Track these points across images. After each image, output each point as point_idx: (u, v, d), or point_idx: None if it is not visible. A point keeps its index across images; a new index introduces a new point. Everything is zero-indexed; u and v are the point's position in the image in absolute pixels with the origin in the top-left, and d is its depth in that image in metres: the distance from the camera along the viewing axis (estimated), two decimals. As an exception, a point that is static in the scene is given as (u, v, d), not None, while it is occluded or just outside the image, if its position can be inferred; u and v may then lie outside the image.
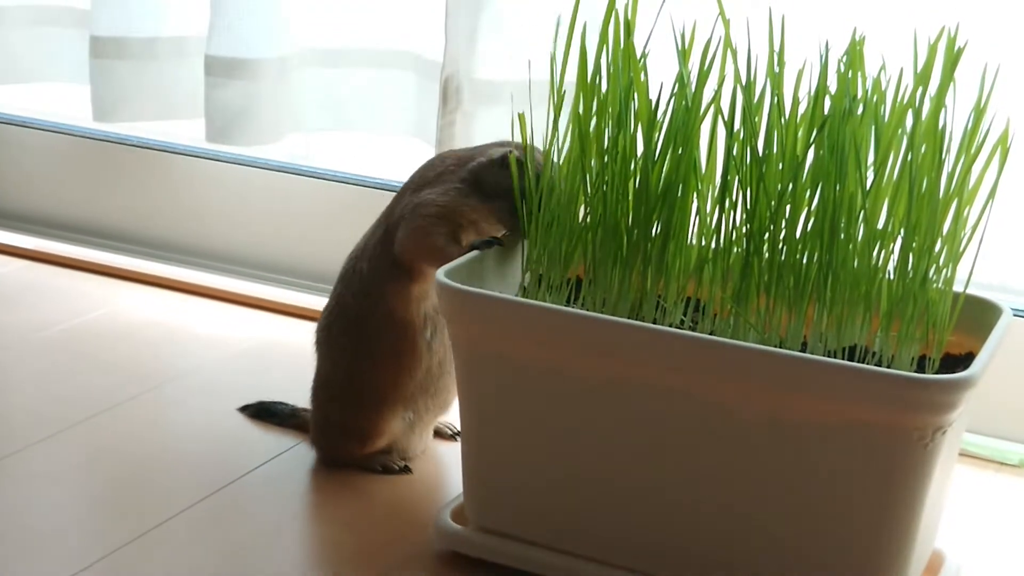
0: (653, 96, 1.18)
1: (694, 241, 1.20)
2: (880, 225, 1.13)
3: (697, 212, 1.20)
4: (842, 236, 1.13)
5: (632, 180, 1.19)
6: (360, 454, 1.39)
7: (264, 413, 1.51)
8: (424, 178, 1.34)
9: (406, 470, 1.40)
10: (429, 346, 1.35)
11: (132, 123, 1.93)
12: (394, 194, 1.37)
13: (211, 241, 1.95)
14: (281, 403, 1.51)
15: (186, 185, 1.97)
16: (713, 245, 1.18)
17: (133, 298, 1.87)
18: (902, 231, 1.12)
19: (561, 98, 1.22)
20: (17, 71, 2.01)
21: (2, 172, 2.09)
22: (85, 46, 1.90)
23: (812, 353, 1.12)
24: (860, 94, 1.13)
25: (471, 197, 1.31)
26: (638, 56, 1.18)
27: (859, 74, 1.13)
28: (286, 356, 1.67)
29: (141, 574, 1.21)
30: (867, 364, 1.10)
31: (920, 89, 1.11)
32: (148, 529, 1.28)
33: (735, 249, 1.17)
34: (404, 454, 1.41)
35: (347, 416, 1.38)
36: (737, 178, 1.15)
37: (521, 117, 1.23)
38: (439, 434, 1.48)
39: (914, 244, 1.12)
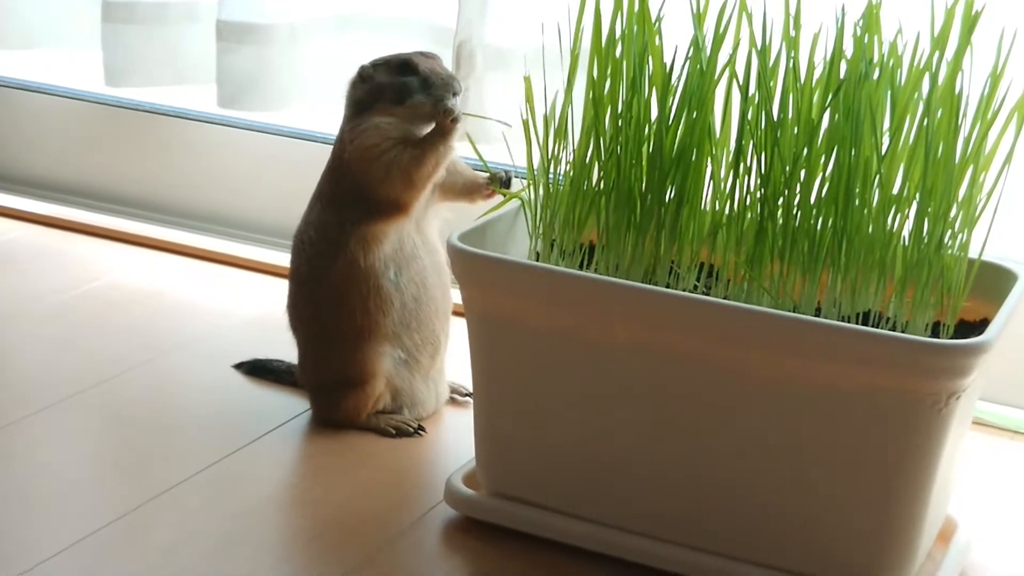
0: (668, 60, 1.18)
1: (708, 206, 1.20)
2: (895, 190, 1.13)
3: (711, 177, 1.19)
4: (857, 201, 1.12)
5: (646, 145, 1.19)
6: (363, 403, 1.40)
7: (260, 370, 1.53)
8: (337, 154, 1.40)
9: (420, 431, 1.40)
10: (397, 285, 1.37)
11: (143, 88, 1.93)
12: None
13: (222, 206, 1.95)
14: (277, 360, 1.52)
15: (197, 151, 1.96)
16: (727, 210, 1.18)
17: (143, 263, 1.87)
18: (917, 196, 1.12)
19: (576, 63, 1.21)
20: (29, 36, 2.01)
21: (13, 137, 2.09)
22: (97, 11, 1.89)
23: (826, 319, 1.12)
24: (876, 58, 1.12)
25: (366, 118, 1.36)
26: (653, 20, 1.18)
27: (875, 38, 1.12)
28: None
29: (152, 537, 1.21)
30: (881, 329, 1.09)
31: (937, 54, 1.11)
32: (159, 493, 1.28)
33: (749, 214, 1.17)
34: (413, 407, 1.42)
35: (336, 370, 1.39)
36: (752, 143, 1.15)
37: (527, 80, 1.23)
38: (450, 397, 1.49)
39: (929, 209, 1.12)
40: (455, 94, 1.34)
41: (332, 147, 1.41)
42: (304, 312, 1.42)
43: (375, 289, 1.37)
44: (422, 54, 1.37)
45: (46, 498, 1.27)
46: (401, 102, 1.35)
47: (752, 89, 1.14)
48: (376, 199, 1.36)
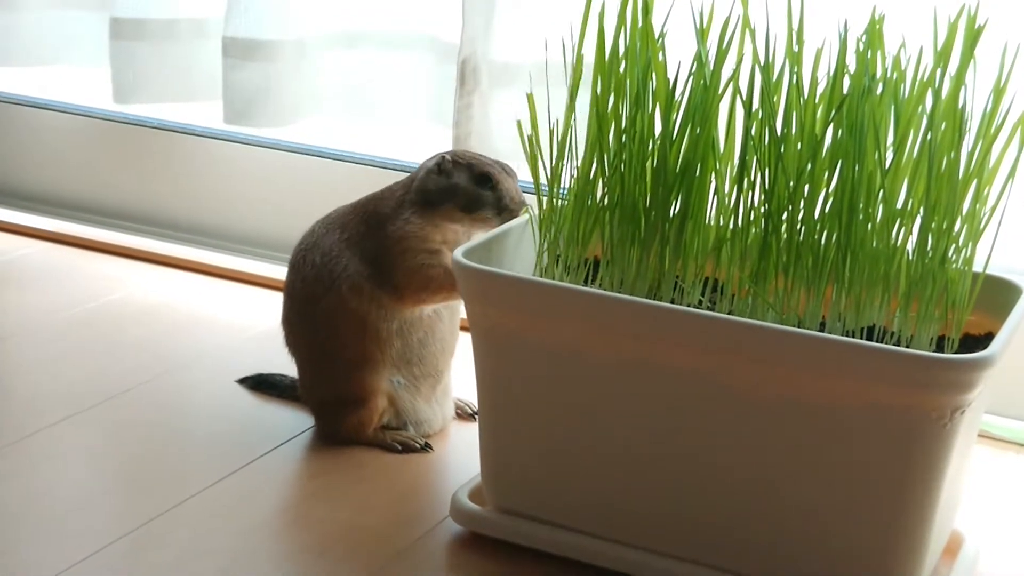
0: (671, 75, 1.18)
1: (712, 221, 1.20)
2: (899, 205, 1.13)
3: (715, 192, 1.19)
4: (861, 216, 1.12)
5: (650, 160, 1.19)
6: (367, 420, 1.40)
7: (264, 385, 1.54)
8: (382, 214, 1.39)
9: (427, 448, 1.41)
10: (399, 330, 1.38)
11: (152, 105, 1.94)
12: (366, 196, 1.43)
13: (229, 222, 1.96)
14: (280, 375, 1.53)
15: (204, 167, 1.97)
16: (731, 225, 1.18)
17: (152, 279, 1.88)
18: (921, 210, 1.12)
19: (579, 79, 1.21)
20: (37, 53, 2.02)
21: (22, 154, 2.10)
22: (105, 28, 1.90)
23: (830, 333, 1.11)
24: (879, 73, 1.12)
25: (430, 213, 1.36)
26: (656, 35, 1.18)
27: (879, 53, 1.13)
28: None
29: (160, 553, 1.22)
30: (886, 344, 1.09)
31: (940, 68, 1.11)
32: (167, 509, 1.28)
33: (753, 229, 1.17)
34: (419, 425, 1.43)
35: (336, 389, 1.40)
36: (755, 158, 1.15)
37: (530, 97, 1.23)
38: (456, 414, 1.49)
39: (933, 224, 1.12)
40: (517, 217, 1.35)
41: (379, 196, 1.41)
42: (298, 330, 1.43)
43: (372, 331, 1.37)
44: (502, 167, 1.37)
45: (53, 515, 1.27)
46: (470, 212, 1.35)
47: (756, 104, 1.15)
48: (391, 280, 1.36)
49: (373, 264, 1.37)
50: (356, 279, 1.37)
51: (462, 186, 1.35)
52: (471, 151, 1.40)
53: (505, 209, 1.35)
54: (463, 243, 1.35)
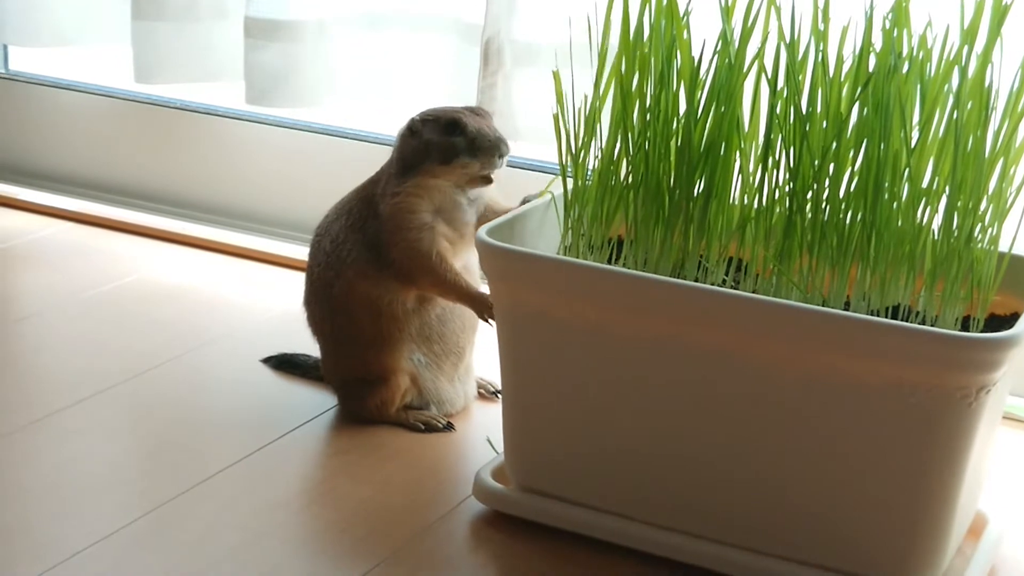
0: (696, 54, 1.18)
1: (736, 200, 1.20)
2: (925, 184, 1.12)
3: (740, 171, 1.19)
4: (886, 195, 1.12)
5: (674, 139, 1.19)
6: (389, 398, 1.40)
7: (287, 364, 1.54)
8: (376, 194, 1.39)
9: (449, 427, 1.41)
10: (416, 309, 1.38)
11: (173, 85, 1.94)
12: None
13: (251, 203, 1.96)
14: (304, 355, 1.53)
15: (225, 147, 1.97)
16: (756, 204, 1.18)
17: (173, 260, 1.88)
18: (947, 189, 1.12)
19: (604, 57, 1.21)
20: (59, 33, 2.02)
21: (44, 134, 2.10)
22: (127, 8, 1.90)
23: (855, 313, 1.11)
24: (905, 51, 1.12)
25: (413, 178, 1.35)
26: (681, 13, 1.18)
27: (905, 31, 1.12)
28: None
29: (183, 531, 1.22)
30: (911, 323, 1.09)
31: (966, 46, 1.10)
32: (189, 487, 1.29)
33: (778, 208, 1.17)
34: (441, 404, 1.42)
35: (357, 368, 1.40)
36: (780, 136, 1.15)
37: (556, 74, 1.23)
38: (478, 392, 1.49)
39: (959, 203, 1.11)
40: (501, 156, 1.34)
41: (374, 177, 1.41)
42: (318, 313, 1.43)
43: (388, 312, 1.38)
44: (472, 111, 1.36)
45: (78, 492, 1.28)
46: (447, 163, 1.34)
47: (781, 83, 1.14)
48: (388, 258, 1.36)
49: (374, 247, 1.37)
50: (361, 265, 1.38)
51: (434, 141, 1.34)
52: (443, 107, 1.39)
53: (479, 148, 1.33)
54: (458, 207, 1.35)
